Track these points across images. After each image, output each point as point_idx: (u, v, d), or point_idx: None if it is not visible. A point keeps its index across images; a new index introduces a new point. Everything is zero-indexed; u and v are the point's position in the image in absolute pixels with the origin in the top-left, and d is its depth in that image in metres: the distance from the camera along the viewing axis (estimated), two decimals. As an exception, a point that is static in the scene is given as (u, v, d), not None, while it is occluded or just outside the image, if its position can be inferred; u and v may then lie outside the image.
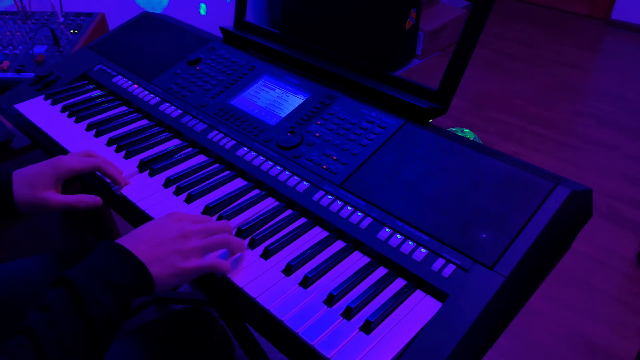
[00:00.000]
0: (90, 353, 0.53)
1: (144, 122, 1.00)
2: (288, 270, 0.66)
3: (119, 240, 0.62)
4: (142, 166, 0.86)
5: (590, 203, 0.71)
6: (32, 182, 0.76)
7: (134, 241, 0.62)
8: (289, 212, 0.77)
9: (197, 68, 1.06)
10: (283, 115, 0.91)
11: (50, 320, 0.52)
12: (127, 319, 0.60)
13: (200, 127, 0.93)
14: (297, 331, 0.59)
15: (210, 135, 0.91)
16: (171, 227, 0.64)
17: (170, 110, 0.98)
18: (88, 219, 1.51)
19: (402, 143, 0.80)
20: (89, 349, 0.52)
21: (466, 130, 1.87)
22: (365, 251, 0.70)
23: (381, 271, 0.67)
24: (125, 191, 0.81)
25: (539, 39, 3.39)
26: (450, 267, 0.63)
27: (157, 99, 1.02)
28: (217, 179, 0.83)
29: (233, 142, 0.89)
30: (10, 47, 1.34)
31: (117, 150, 0.91)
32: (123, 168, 0.85)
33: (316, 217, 0.75)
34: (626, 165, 2.25)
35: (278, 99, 0.94)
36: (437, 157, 0.76)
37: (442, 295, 0.62)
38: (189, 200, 0.79)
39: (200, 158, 0.90)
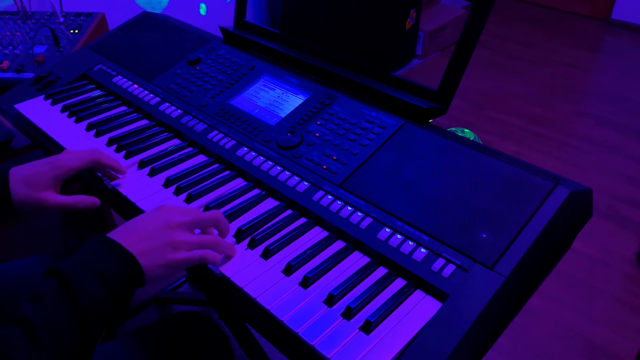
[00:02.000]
0: (81, 341, 0.53)
1: (144, 122, 1.00)
2: (288, 270, 0.66)
3: (109, 234, 0.63)
4: (142, 166, 0.86)
5: (590, 203, 0.71)
6: (31, 181, 0.75)
7: (123, 234, 0.63)
8: (289, 212, 0.77)
9: (197, 68, 1.06)
10: (283, 115, 0.91)
11: (42, 309, 0.53)
12: (124, 316, 0.61)
13: (200, 127, 0.93)
14: (297, 331, 0.59)
15: (210, 135, 0.91)
16: (159, 219, 0.65)
17: (170, 110, 0.98)
18: (88, 219, 1.51)
19: (402, 143, 0.79)
20: (81, 337, 0.53)
21: (466, 130, 1.87)
22: (365, 251, 0.70)
23: (381, 271, 0.67)
24: (125, 191, 0.81)
25: (539, 39, 3.39)
26: (450, 267, 0.63)
27: (157, 99, 1.02)
28: (217, 179, 0.83)
29: (233, 142, 0.89)
30: (10, 47, 1.34)
31: (117, 150, 0.91)
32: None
33: (316, 217, 0.75)
34: (626, 165, 2.25)
35: (278, 99, 0.94)
36: (437, 157, 0.76)
37: (442, 295, 0.62)
38: (189, 200, 0.79)
39: (200, 158, 0.90)
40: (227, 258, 0.68)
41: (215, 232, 0.70)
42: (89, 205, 0.78)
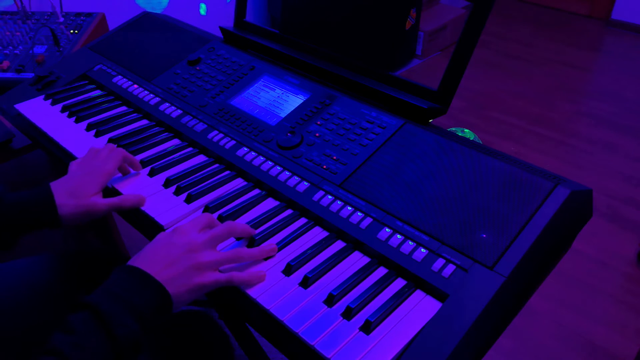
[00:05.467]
0: None
1: (144, 122, 1.00)
2: (288, 270, 0.66)
3: (131, 263, 0.62)
4: (142, 166, 0.86)
5: (590, 203, 0.71)
6: (76, 192, 0.75)
7: (146, 263, 0.61)
8: (289, 212, 0.77)
9: (197, 68, 1.06)
10: (283, 115, 0.91)
11: (76, 342, 0.52)
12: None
13: (200, 127, 0.93)
14: (297, 331, 0.59)
15: (210, 135, 0.91)
16: (178, 243, 0.64)
17: (170, 110, 0.98)
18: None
19: (402, 143, 0.79)
20: None
21: (466, 130, 1.88)
22: (365, 251, 0.70)
23: (381, 271, 0.67)
24: (125, 191, 0.81)
25: (539, 39, 3.39)
26: (450, 267, 0.63)
27: (157, 99, 1.02)
28: (217, 179, 0.83)
29: (233, 142, 0.89)
30: (10, 47, 1.34)
31: (117, 150, 0.91)
32: (123, 168, 0.85)
33: (316, 217, 0.75)
34: (626, 165, 2.25)
35: (278, 99, 0.94)
36: (437, 157, 0.76)
37: (442, 295, 0.62)
38: (189, 200, 0.79)
39: (200, 158, 0.90)
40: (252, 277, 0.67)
41: (234, 242, 0.71)
42: (135, 203, 0.78)
